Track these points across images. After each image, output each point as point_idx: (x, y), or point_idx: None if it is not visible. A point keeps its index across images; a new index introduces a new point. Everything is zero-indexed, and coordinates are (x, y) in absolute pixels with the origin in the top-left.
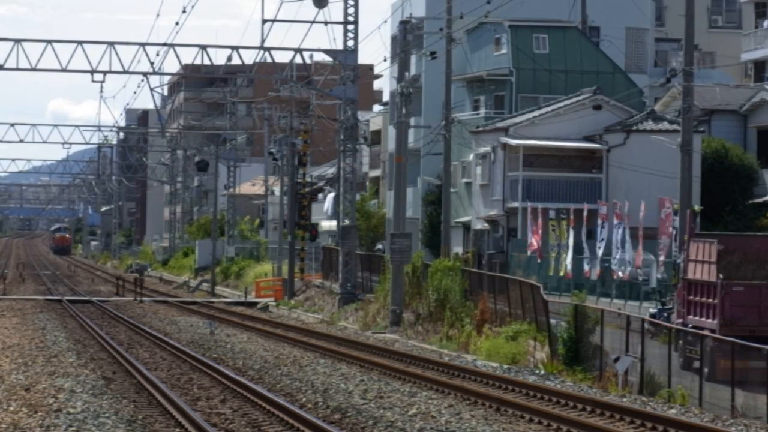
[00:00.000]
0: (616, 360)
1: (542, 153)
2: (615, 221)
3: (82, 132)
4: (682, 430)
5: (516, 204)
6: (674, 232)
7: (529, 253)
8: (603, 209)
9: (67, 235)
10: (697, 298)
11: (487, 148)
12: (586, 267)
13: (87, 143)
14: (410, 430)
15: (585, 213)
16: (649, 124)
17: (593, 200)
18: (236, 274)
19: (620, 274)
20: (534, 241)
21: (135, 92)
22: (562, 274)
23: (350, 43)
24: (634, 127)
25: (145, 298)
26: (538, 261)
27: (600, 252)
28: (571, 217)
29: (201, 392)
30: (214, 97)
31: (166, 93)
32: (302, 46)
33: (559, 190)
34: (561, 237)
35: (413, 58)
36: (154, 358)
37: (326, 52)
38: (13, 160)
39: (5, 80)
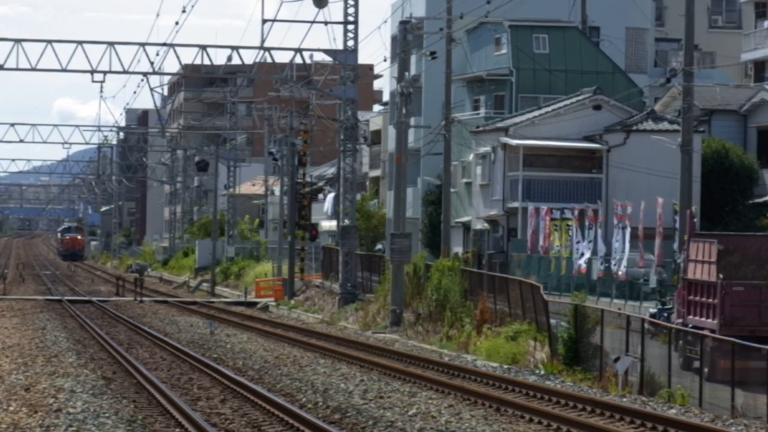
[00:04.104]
0: (616, 360)
1: (542, 153)
2: (615, 221)
3: (82, 132)
4: (682, 430)
5: (516, 204)
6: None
7: (529, 251)
8: (603, 209)
9: (80, 236)
10: (697, 298)
11: (487, 148)
12: (584, 266)
13: (87, 143)
14: (410, 430)
15: (589, 213)
16: (649, 124)
17: (593, 200)
18: (236, 274)
19: (620, 273)
20: (534, 241)
21: (135, 92)
22: (563, 273)
23: (350, 43)
24: (634, 127)
25: (145, 298)
26: (540, 255)
27: (600, 252)
28: (575, 215)
29: (201, 392)
30: (214, 97)
31: (166, 93)
32: (302, 46)
33: (559, 190)
34: (563, 236)
35: (413, 58)
36: (154, 358)
37: (326, 52)
38: (13, 160)
39: (9, 80)
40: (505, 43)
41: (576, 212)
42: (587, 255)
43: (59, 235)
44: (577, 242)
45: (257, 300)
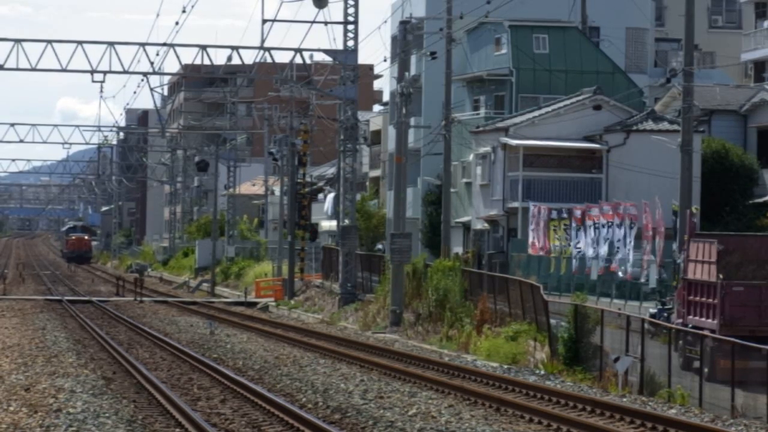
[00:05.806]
0: (616, 360)
1: (542, 153)
2: (617, 221)
3: (82, 132)
4: (682, 430)
5: (516, 204)
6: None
7: (530, 251)
8: (604, 209)
9: (86, 237)
10: (697, 298)
11: (487, 148)
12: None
13: (87, 143)
14: (410, 430)
15: (592, 213)
16: (649, 124)
17: (593, 200)
18: (236, 274)
19: (620, 274)
20: (535, 241)
21: (135, 92)
22: (563, 272)
23: (350, 43)
24: (634, 127)
25: (145, 298)
26: (541, 255)
27: (600, 252)
28: (577, 215)
29: (201, 392)
30: (214, 97)
31: (166, 93)
32: (302, 46)
33: (559, 190)
34: (563, 236)
35: (413, 58)
36: (154, 358)
37: (326, 52)
38: (14, 160)
39: (9, 80)
40: (505, 43)
41: (578, 212)
42: (603, 254)
43: (64, 235)
44: (578, 242)
45: (257, 300)
